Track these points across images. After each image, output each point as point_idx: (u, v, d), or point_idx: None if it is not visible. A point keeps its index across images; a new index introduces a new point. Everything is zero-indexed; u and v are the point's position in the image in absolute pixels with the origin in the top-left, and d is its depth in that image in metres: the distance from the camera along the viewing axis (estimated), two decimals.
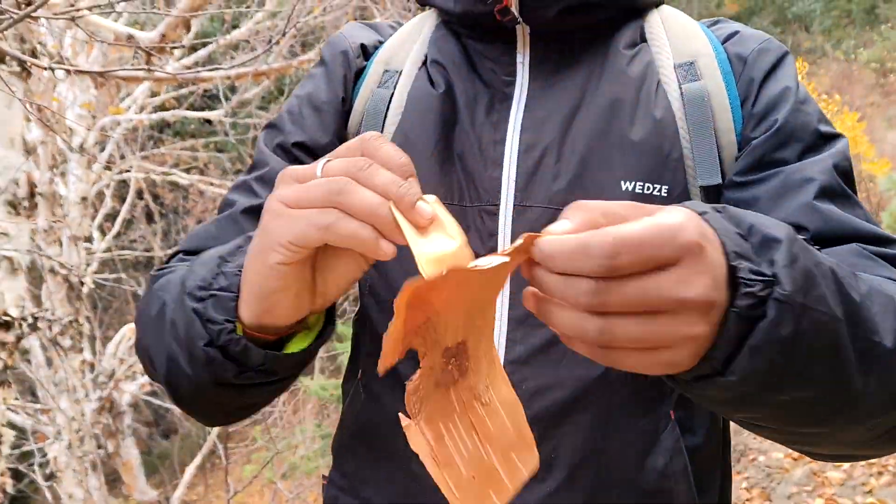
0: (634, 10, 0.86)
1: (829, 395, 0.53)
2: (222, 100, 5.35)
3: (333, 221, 0.53)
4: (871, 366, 0.54)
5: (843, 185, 0.75)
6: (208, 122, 6.82)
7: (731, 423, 0.81)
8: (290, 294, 0.59)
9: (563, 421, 0.75)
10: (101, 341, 5.53)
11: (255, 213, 0.81)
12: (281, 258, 0.56)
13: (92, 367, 5.12)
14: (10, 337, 2.29)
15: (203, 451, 5.23)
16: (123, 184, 6.45)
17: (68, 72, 2.33)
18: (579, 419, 0.75)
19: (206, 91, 6.03)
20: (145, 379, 5.60)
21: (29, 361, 5.02)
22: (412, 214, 0.53)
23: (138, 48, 2.48)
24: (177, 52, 4.85)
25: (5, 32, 2.26)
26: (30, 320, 2.38)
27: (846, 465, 3.65)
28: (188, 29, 2.90)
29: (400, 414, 0.56)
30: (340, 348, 4.70)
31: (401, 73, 0.86)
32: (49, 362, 4.86)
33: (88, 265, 5.36)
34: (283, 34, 1.73)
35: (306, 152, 0.85)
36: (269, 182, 0.82)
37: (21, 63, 1.76)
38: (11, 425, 5.62)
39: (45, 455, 5.32)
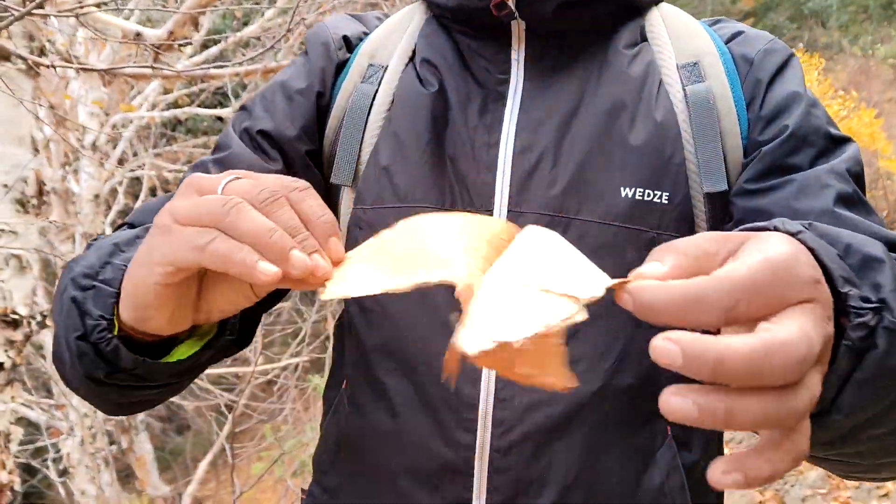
0: (634, 7, 0.82)
1: None
2: (232, 97, 5.35)
3: (209, 242, 0.48)
4: None
5: (859, 191, 0.72)
6: (220, 119, 6.82)
7: (726, 434, 0.79)
8: (165, 312, 0.55)
9: (555, 438, 0.73)
10: None
11: None
12: (158, 278, 0.52)
13: None
14: (17, 335, 2.29)
15: (214, 449, 5.24)
16: (136, 181, 6.46)
17: (77, 70, 2.33)
18: (573, 436, 0.73)
19: (218, 88, 6.03)
20: None
21: (44, 357, 5.05)
22: (285, 264, 0.48)
23: (146, 45, 2.47)
24: (188, 50, 4.85)
25: (13, 30, 2.26)
26: (38, 318, 2.38)
27: None
28: (196, 26, 2.89)
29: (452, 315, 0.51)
30: None
31: (386, 69, 0.83)
32: None
33: None
34: (289, 30, 1.72)
35: (270, 142, 0.81)
36: (226, 166, 0.78)
37: (24, 60, 1.75)
38: (26, 421, 5.67)
39: (58, 451, 5.35)
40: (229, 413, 4.64)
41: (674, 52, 0.79)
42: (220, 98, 7.03)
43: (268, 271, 0.47)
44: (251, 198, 0.49)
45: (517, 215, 0.74)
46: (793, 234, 0.44)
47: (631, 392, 0.74)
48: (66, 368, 0.65)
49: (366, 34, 0.87)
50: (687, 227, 0.75)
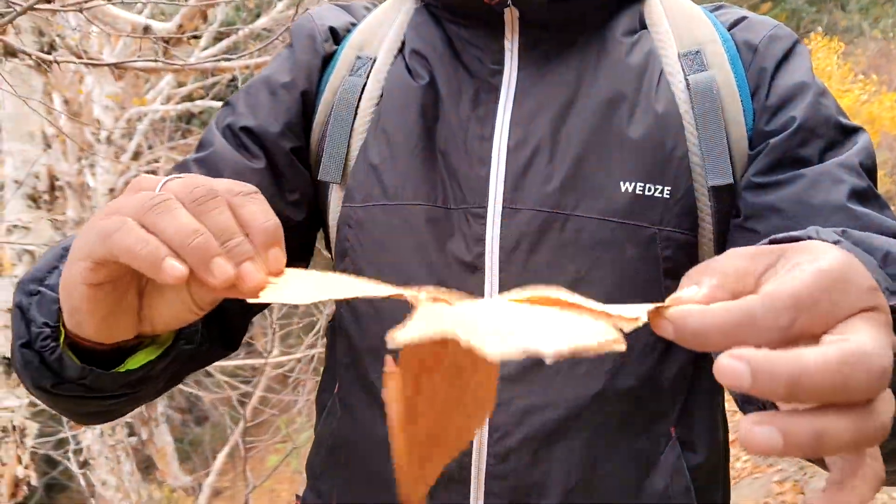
0: None
1: None
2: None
3: (116, 230, 0.44)
4: None
5: (872, 186, 0.69)
6: None
7: (731, 434, 0.77)
8: (93, 316, 0.50)
9: (555, 442, 0.70)
10: None
11: None
12: (80, 276, 0.47)
13: None
14: None
15: (231, 441, 5.27)
16: (151, 174, 6.49)
17: (86, 65, 2.33)
18: (573, 440, 0.70)
19: (231, 80, 6.03)
20: None
21: None
22: (204, 270, 0.44)
23: (156, 39, 2.47)
24: (202, 42, 4.86)
25: (23, 26, 2.26)
26: None
27: None
28: (205, 19, 2.89)
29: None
30: None
31: (375, 61, 0.80)
32: None
33: None
34: (293, 20, 1.70)
35: (253, 139, 0.78)
36: (208, 165, 0.76)
37: (28, 56, 1.75)
38: (48, 413, 5.73)
39: (78, 443, 5.41)
40: (244, 405, 4.66)
41: (675, 40, 0.76)
42: (233, 90, 7.04)
43: (173, 271, 0.43)
44: (183, 196, 0.46)
45: (512, 212, 0.72)
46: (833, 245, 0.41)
47: (632, 394, 0.72)
48: (20, 377, 0.62)
49: (354, 25, 0.84)
50: (689, 221, 0.73)
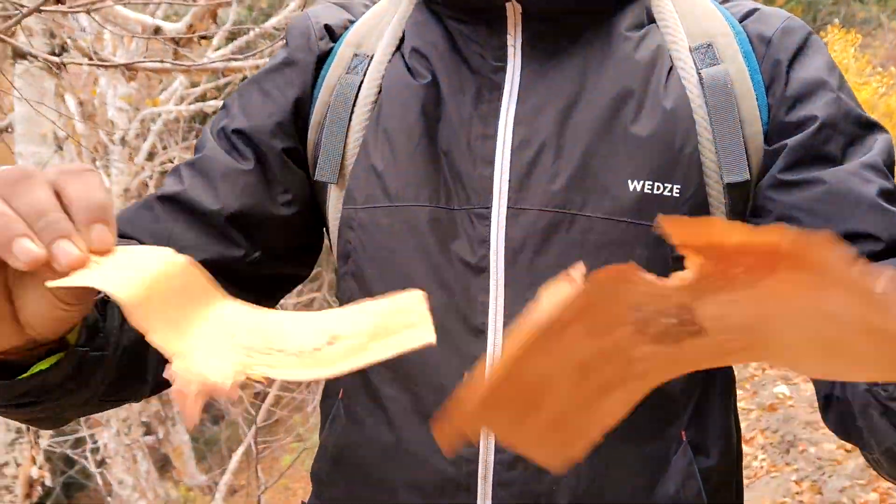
0: None
1: None
2: None
3: None
4: None
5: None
6: None
7: (744, 434, 0.76)
8: None
9: None
10: None
11: (170, 201, 0.75)
12: None
13: None
14: None
15: (247, 440, 5.30)
16: (165, 175, 6.54)
17: (96, 66, 2.34)
18: None
19: (244, 80, 6.06)
20: None
21: None
22: (5, 253, 0.42)
23: (167, 40, 2.47)
24: (213, 42, 4.87)
25: (34, 28, 2.27)
26: None
27: None
28: (214, 19, 2.89)
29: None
30: None
31: (371, 59, 0.78)
32: None
33: None
34: None
35: (244, 140, 0.77)
36: (199, 168, 0.76)
37: (35, 58, 1.75)
38: None
39: (95, 442, 5.45)
40: (259, 403, 4.67)
41: (685, 33, 0.74)
42: None
43: (24, 256, 0.41)
44: (12, 182, 0.43)
45: (517, 212, 0.70)
46: None
47: (643, 398, 0.70)
48: None
49: (351, 22, 0.82)
50: None
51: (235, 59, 2.42)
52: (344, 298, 0.78)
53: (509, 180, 0.71)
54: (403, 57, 0.78)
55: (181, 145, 6.07)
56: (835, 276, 0.31)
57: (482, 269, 0.71)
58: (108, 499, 4.98)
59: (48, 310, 0.47)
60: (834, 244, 0.30)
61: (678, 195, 0.70)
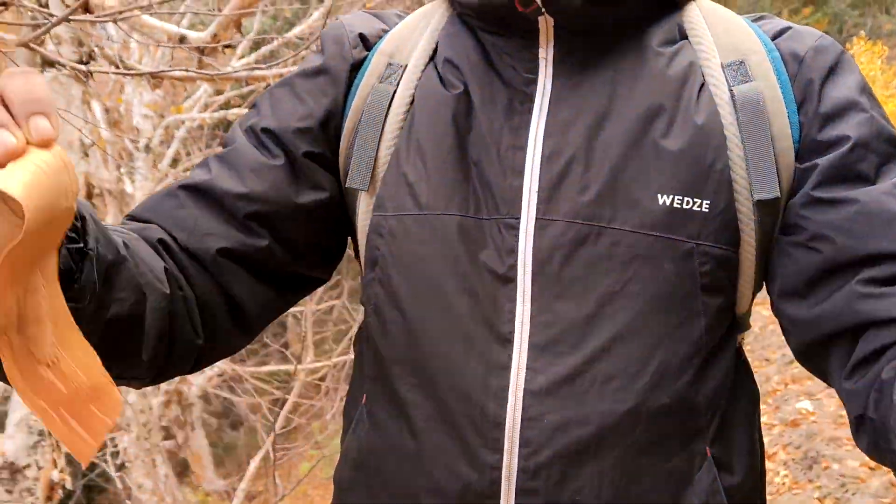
0: (670, 1, 0.77)
1: None
2: None
3: None
4: None
5: None
6: None
7: (766, 450, 0.75)
8: None
9: (586, 460, 0.69)
10: None
11: (194, 190, 0.76)
12: None
13: None
14: None
15: (266, 446, 5.31)
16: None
17: (122, 74, 2.38)
18: (605, 458, 0.69)
19: (268, 86, 6.11)
20: (213, 371, 5.74)
21: None
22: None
23: (190, 48, 2.50)
24: (238, 51, 4.92)
25: (63, 36, 2.31)
26: None
27: None
28: (239, 28, 2.92)
29: None
30: None
31: (405, 68, 0.79)
32: None
33: None
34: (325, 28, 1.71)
35: (273, 139, 0.78)
36: (228, 160, 0.77)
37: (63, 66, 1.78)
38: None
39: (115, 445, 5.49)
40: (277, 410, 4.69)
41: (717, 50, 0.74)
42: None
43: None
44: None
45: (546, 223, 0.70)
46: None
47: (667, 412, 0.70)
48: None
49: (385, 32, 0.83)
50: (728, 236, 0.71)
51: (259, 69, 2.44)
52: (369, 304, 0.78)
53: (538, 191, 0.71)
54: (436, 67, 0.78)
55: (205, 152, 6.13)
56: None
57: (510, 279, 0.71)
58: (128, 502, 5.01)
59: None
60: None
61: (707, 210, 0.70)
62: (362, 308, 0.81)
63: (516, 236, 0.71)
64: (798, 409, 4.66)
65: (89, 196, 2.43)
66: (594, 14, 0.73)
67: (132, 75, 2.27)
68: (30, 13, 1.96)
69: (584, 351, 0.69)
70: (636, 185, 0.70)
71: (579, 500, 0.69)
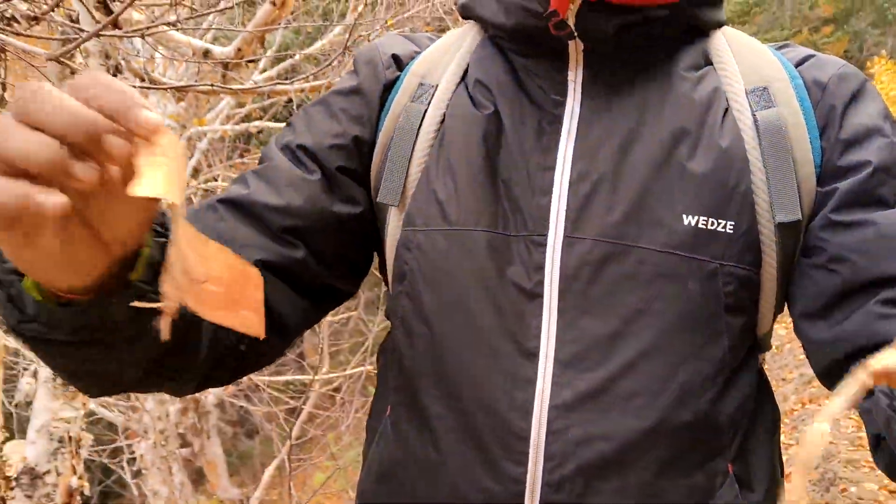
0: (697, 29, 0.79)
1: None
2: (296, 112, 5.46)
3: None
4: None
5: None
6: None
7: (785, 468, 0.76)
8: (35, 266, 0.49)
9: (609, 474, 0.69)
10: None
11: (233, 203, 0.77)
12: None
13: None
14: None
15: (281, 455, 5.33)
16: (210, 192, 6.67)
17: (148, 88, 2.42)
18: (628, 473, 0.69)
19: (288, 102, 6.17)
20: None
21: None
22: (138, 127, 0.42)
23: (215, 63, 2.54)
24: (260, 64, 4.98)
25: (91, 49, 2.36)
26: None
27: None
28: (262, 44, 2.97)
29: None
30: None
31: (436, 88, 0.81)
32: None
33: None
34: (347, 48, 1.74)
35: (309, 156, 0.80)
36: (265, 176, 0.79)
37: None
38: (105, 422, 5.88)
39: (132, 452, 5.53)
40: (292, 420, 4.71)
41: (741, 76, 0.76)
42: (290, 111, 7.20)
43: (56, 200, 0.41)
44: (21, 108, 0.41)
45: (573, 241, 0.72)
46: None
47: (689, 429, 0.71)
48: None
49: (417, 53, 0.86)
50: (751, 257, 0.72)
51: (281, 84, 2.47)
52: (396, 318, 0.79)
53: (566, 210, 0.73)
54: (467, 88, 0.80)
55: (226, 163, 6.19)
56: None
57: (536, 295, 0.72)
58: None
59: (135, 213, 0.49)
60: None
61: (731, 231, 0.71)
62: (378, 320, 0.83)
63: (544, 253, 0.72)
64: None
65: None
66: (625, 39, 0.75)
67: (159, 89, 2.31)
68: (60, 28, 2.01)
69: (608, 367, 0.70)
70: (662, 206, 0.72)
71: None
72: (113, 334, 0.57)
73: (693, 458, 0.71)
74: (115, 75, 2.30)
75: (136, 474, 5.53)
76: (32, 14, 1.50)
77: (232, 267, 0.55)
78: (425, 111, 0.80)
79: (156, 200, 0.50)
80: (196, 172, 5.90)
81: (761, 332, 0.77)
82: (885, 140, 0.72)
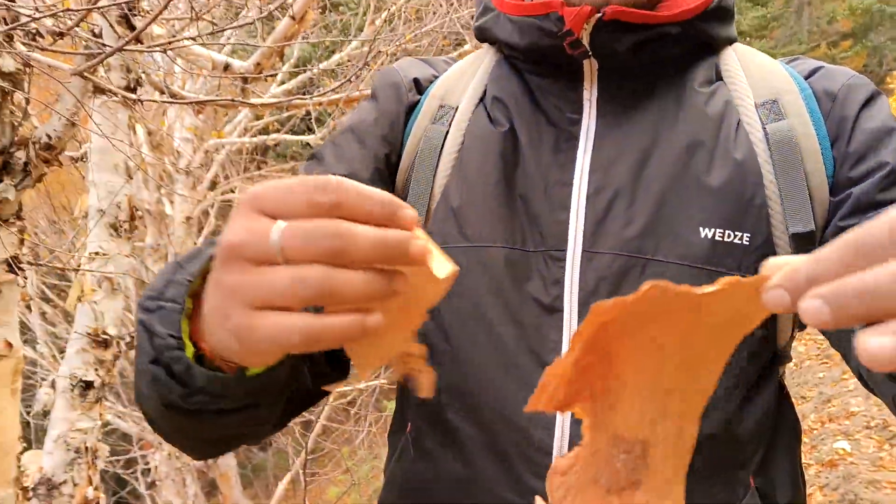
0: (708, 46, 0.80)
1: None
2: (315, 125, 5.49)
3: (319, 329, 0.43)
4: None
5: None
6: (308, 144, 7.04)
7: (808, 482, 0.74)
8: (260, 362, 0.52)
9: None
10: None
11: None
12: (258, 361, 0.50)
13: None
14: (107, 355, 2.39)
15: (294, 469, 5.33)
16: (227, 204, 6.72)
17: (169, 102, 2.45)
18: None
19: (306, 115, 6.22)
20: None
21: None
22: (403, 256, 0.44)
23: (234, 77, 2.56)
24: (278, 77, 5.03)
25: (112, 63, 2.38)
26: (127, 338, 2.48)
27: None
28: (281, 58, 2.99)
29: (537, 498, 0.47)
30: None
31: (457, 110, 0.82)
32: None
33: None
34: (366, 63, 1.75)
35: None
36: None
37: (115, 94, 1.84)
38: (120, 433, 5.90)
39: (147, 463, 5.54)
40: (306, 433, 4.70)
41: (751, 90, 0.77)
42: (307, 124, 7.26)
43: (375, 321, 0.44)
44: (328, 248, 0.42)
45: (592, 255, 0.72)
46: None
47: (711, 441, 0.70)
48: (145, 402, 0.61)
49: (436, 77, 0.87)
50: None
51: (300, 99, 2.49)
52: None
53: (584, 225, 0.73)
54: (485, 107, 0.81)
55: (243, 175, 6.24)
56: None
57: (556, 309, 0.72)
58: None
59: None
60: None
61: (748, 243, 0.71)
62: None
63: (562, 268, 0.73)
64: (835, 450, 4.55)
65: (132, 218, 2.49)
66: (638, 57, 0.76)
67: (180, 103, 2.34)
68: (84, 42, 2.03)
69: None
70: (679, 219, 0.72)
71: None
72: (271, 395, 0.60)
73: (715, 471, 0.71)
74: (135, 89, 2.33)
75: (150, 485, 5.55)
76: (58, 30, 1.52)
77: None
78: (447, 132, 0.81)
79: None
80: (214, 184, 5.95)
81: (780, 343, 0.76)
82: None
